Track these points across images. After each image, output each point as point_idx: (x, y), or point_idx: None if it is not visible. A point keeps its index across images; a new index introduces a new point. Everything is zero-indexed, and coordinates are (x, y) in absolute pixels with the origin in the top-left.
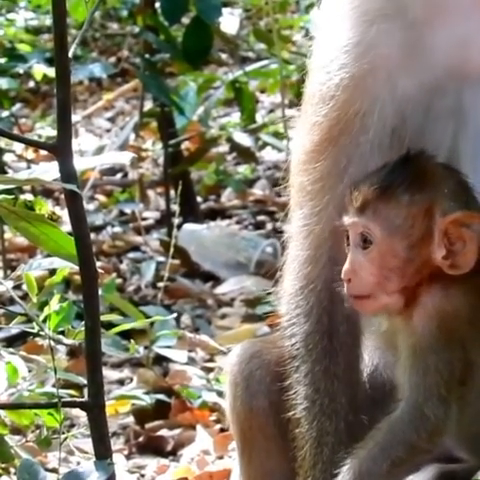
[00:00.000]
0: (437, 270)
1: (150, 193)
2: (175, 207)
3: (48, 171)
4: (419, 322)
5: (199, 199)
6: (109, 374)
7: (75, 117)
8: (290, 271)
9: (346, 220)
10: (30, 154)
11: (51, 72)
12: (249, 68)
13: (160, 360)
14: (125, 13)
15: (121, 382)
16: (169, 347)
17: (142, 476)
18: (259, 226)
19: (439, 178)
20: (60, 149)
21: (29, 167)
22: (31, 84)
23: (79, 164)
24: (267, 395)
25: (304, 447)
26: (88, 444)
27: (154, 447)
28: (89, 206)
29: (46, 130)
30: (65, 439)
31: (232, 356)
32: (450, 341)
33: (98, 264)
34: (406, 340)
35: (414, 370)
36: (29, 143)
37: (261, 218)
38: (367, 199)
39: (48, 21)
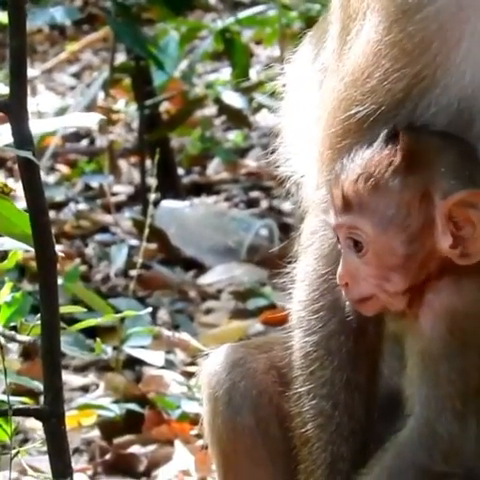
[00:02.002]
0: (447, 262)
1: (122, 163)
2: (151, 180)
3: None
4: (426, 324)
5: (181, 171)
6: (71, 379)
7: (32, 71)
8: (311, 250)
9: (331, 221)
10: None
11: (3, 17)
12: (242, 15)
13: (132, 363)
14: None
15: (85, 389)
16: (143, 347)
17: None
18: (252, 204)
19: (434, 153)
20: (13, 109)
21: None
22: None
23: (36, 127)
24: (254, 411)
25: (313, 473)
26: (44, 462)
27: (124, 466)
28: (48, 178)
29: None
30: (16, 455)
31: (210, 365)
32: (463, 345)
33: (58, 247)
34: (413, 345)
35: (423, 381)
36: None
37: (254, 194)
38: (350, 193)
39: None
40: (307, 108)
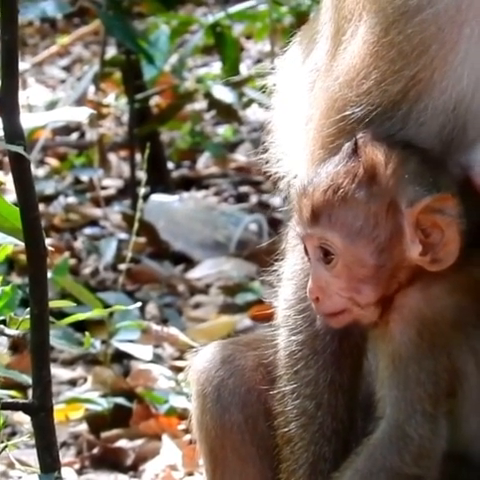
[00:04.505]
0: (416, 270)
1: (112, 157)
2: (141, 174)
3: None
4: (396, 329)
5: (170, 165)
6: (59, 373)
7: (23, 65)
8: (298, 249)
9: (300, 232)
10: None
11: None
12: (233, 9)
13: (120, 357)
14: None
15: (73, 383)
16: (131, 342)
17: None
18: (241, 199)
19: (397, 163)
20: (4, 102)
21: None
22: None
23: (27, 121)
24: (242, 408)
25: (294, 473)
26: (32, 455)
27: (111, 460)
28: (38, 172)
29: None
30: (4, 448)
31: (199, 361)
32: (433, 348)
33: (48, 241)
34: (383, 348)
35: (393, 383)
36: None
37: (244, 189)
38: (318, 205)
39: None
40: (298, 108)
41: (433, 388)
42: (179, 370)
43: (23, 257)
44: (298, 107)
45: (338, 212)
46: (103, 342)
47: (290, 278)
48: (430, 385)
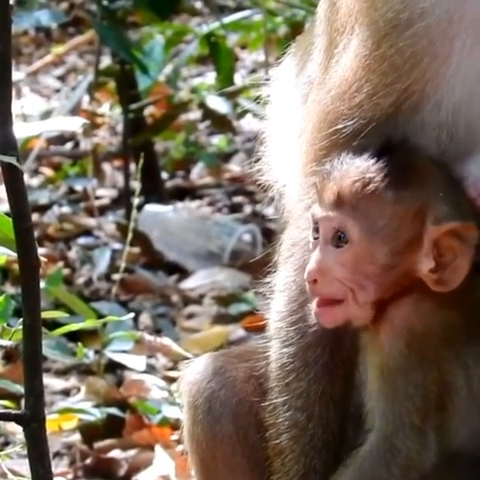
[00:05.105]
0: (416, 282)
1: (106, 167)
2: (135, 184)
3: None
4: (386, 340)
5: (164, 175)
6: (52, 383)
7: (17, 74)
8: (291, 261)
9: (317, 212)
10: None
11: None
12: (228, 19)
13: (113, 367)
14: None
15: (66, 393)
16: (124, 352)
17: None
18: (235, 209)
19: (429, 175)
20: None
21: None
22: None
23: (21, 130)
24: (233, 419)
25: None
26: (25, 465)
27: (104, 471)
28: (32, 181)
29: None
30: None
31: (190, 373)
32: (422, 361)
33: (41, 250)
34: (372, 360)
35: (382, 395)
36: None
37: (238, 199)
38: (345, 192)
39: None
40: (291, 119)
41: (422, 401)
42: (172, 380)
43: (16, 267)
44: (291, 119)
45: (364, 205)
46: (96, 352)
47: (282, 290)
48: (419, 398)
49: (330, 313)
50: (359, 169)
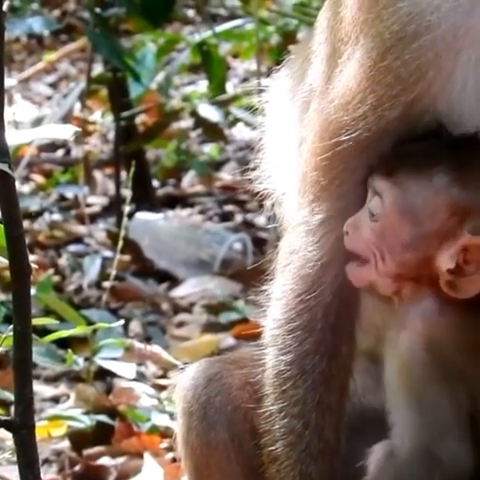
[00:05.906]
0: (433, 281)
1: (97, 175)
2: (126, 192)
3: None
4: (404, 344)
5: (155, 183)
6: (42, 390)
7: (10, 81)
8: (289, 269)
9: (371, 179)
10: None
11: None
12: (220, 28)
13: (103, 374)
14: None
15: (56, 400)
16: (114, 359)
17: None
18: (226, 218)
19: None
20: None
21: None
22: None
23: (12, 138)
24: (228, 426)
25: None
26: (14, 471)
27: (93, 478)
28: (23, 188)
29: None
30: None
31: (185, 379)
32: (443, 368)
33: (32, 257)
34: (393, 361)
35: (410, 406)
36: None
37: (229, 208)
38: (397, 164)
39: None
40: (291, 128)
41: (453, 410)
42: (162, 388)
43: (8, 274)
44: (291, 127)
45: (407, 179)
46: (86, 359)
47: (279, 298)
48: (450, 407)
49: (357, 271)
50: (412, 149)
